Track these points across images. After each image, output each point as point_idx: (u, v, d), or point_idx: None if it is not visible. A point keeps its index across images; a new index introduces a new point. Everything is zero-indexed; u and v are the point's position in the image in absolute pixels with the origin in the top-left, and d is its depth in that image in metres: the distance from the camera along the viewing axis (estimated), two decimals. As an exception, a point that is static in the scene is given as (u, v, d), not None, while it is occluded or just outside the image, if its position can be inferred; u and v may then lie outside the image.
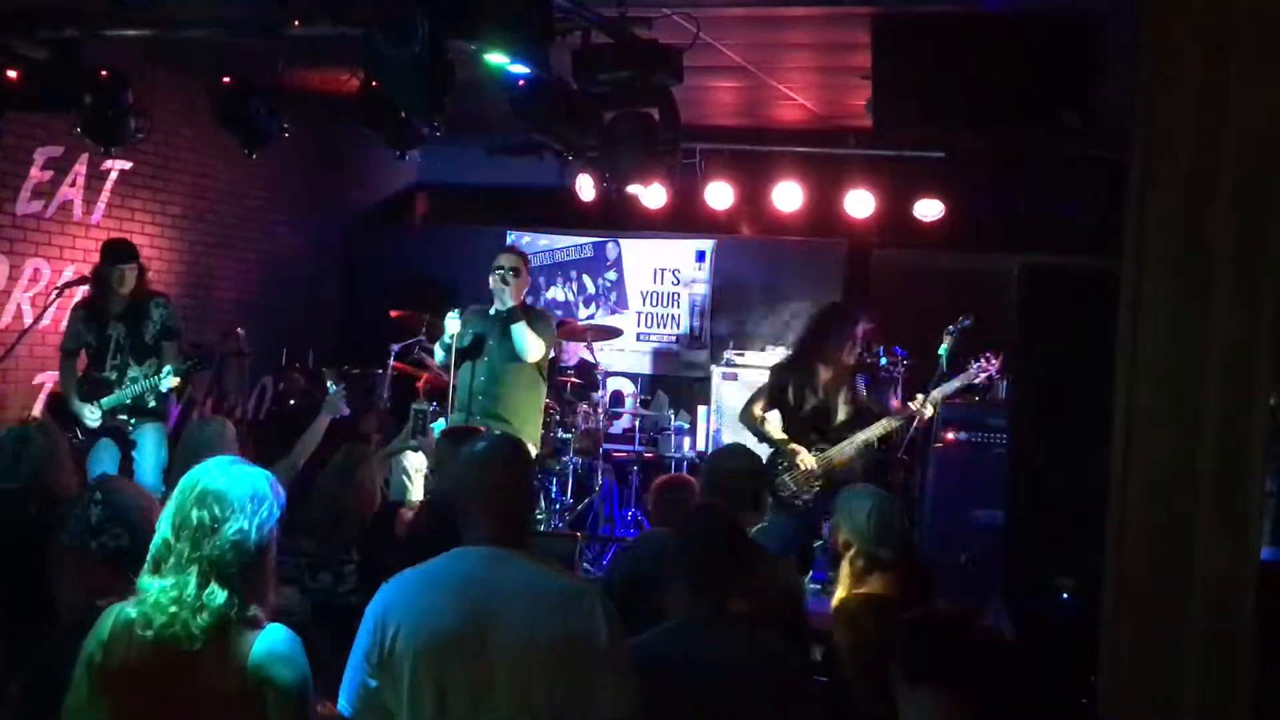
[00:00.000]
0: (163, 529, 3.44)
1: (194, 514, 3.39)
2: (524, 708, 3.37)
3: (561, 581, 3.58)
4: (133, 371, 8.20)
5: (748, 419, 8.02)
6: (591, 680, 3.43)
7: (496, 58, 6.30)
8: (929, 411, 7.76)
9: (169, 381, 8.12)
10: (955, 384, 7.86)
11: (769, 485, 5.34)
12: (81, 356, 8.36)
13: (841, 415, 7.82)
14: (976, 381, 7.86)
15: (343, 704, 3.44)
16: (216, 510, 3.40)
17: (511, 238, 12.02)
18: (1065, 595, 6.31)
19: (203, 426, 6.52)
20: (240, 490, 3.44)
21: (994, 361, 7.76)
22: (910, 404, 7.76)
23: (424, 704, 3.37)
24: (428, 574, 3.53)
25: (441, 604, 3.42)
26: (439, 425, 8.57)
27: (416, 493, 8.61)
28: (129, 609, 3.39)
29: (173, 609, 3.32)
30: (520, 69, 6.57)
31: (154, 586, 3.37)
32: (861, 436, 7.73)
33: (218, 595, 3.34)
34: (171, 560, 3.39)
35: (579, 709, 3.41)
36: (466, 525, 3.61)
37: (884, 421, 7.76)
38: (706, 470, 5.61)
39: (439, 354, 8.73)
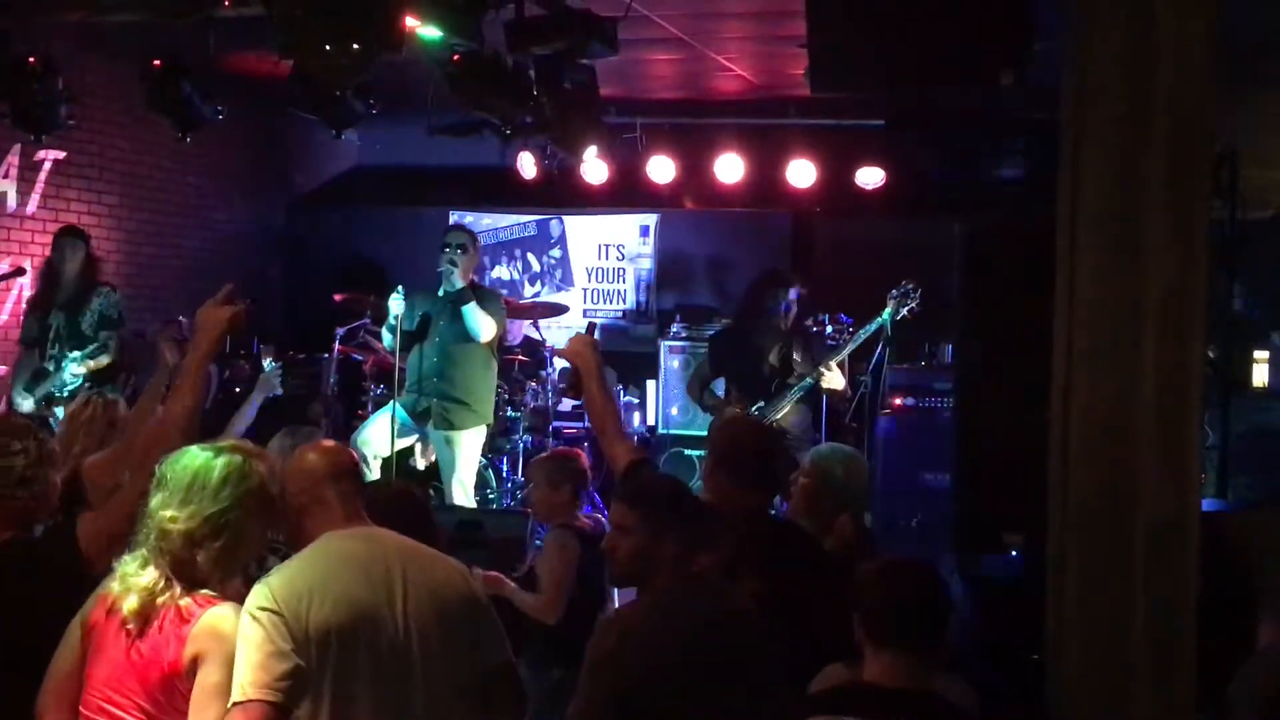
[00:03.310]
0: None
1: (159, 508, 3.49)
2: (437, 664, 3.50)
3: (432, 549, 3.77)
4: (66, 361, 8.12)
5: (693, 391, 8.18)
6: (479, 632, 3.64)
7: (429, 31, 6.25)
8: (830, 376, 7.91)
9: (73, 368, 8.02)
10: (849, 347, 8.13)
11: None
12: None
13: (780, 378, 7.94)
14: (897, 319, 8.00)
15: (262, 695, 3.29)
16: (159, 496, 3.50)
17: (454, 218, 11.98)
18: (1014, 552, 6.33)
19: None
20: (180, 477, 3.50)
21: (911, 299, 7.93)
22: (821, 368, 7.89)
23: (358, 674, 3.39)
24: (313, 560, 3.53)
25: (350, 582, 3.45)
26: (389, 407, 8.54)
27: (374, 476, 8.57)
28: (112, 580, 3.53)
29: (134, 593, 3.44)
30: (454, 42, 6.52)
31: (127, 567, 3.50)
32: (794, 395, 7.92)
33: (176, 584, 3.44)
34: (143, 546, 3.50)
35: (472, 660, 3.59)
36: (313, 514, 3.63)
37: (806, 380, 7.91)
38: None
39: (386, 337, 8.70)
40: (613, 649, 3.68)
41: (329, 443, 4.02)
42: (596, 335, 4.94)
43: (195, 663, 3.38)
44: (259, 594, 3.39)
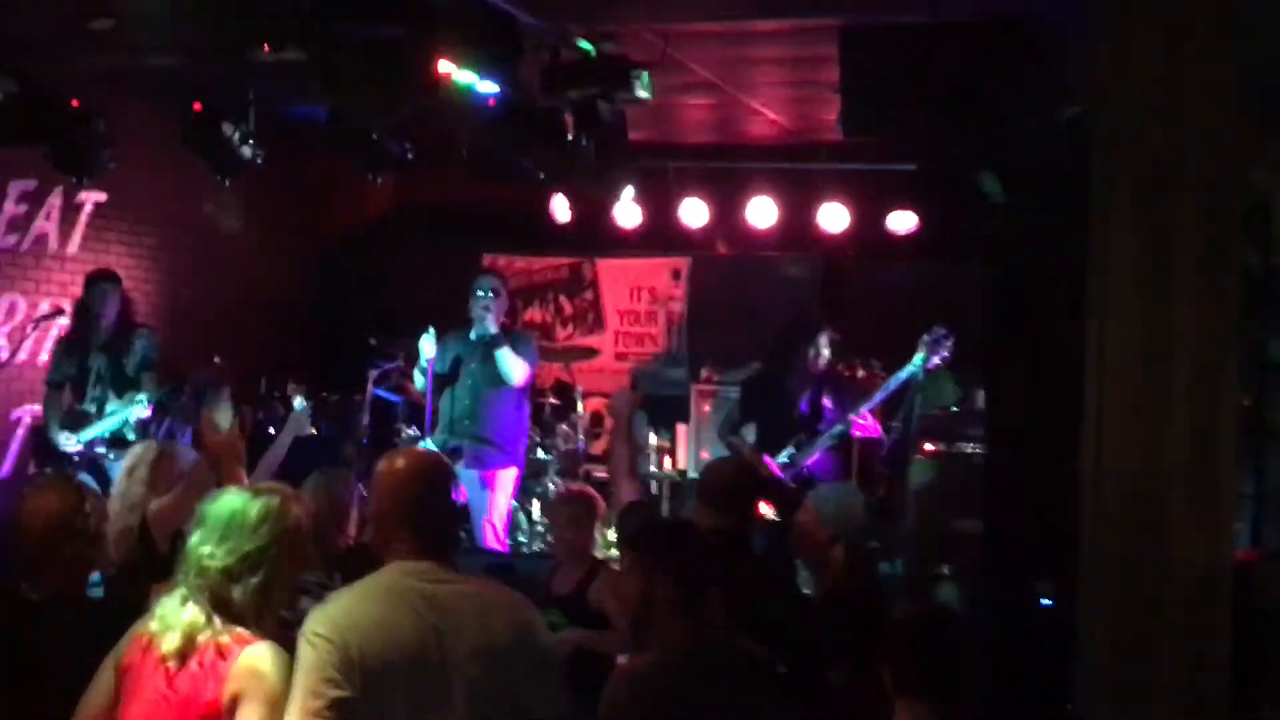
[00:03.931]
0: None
1: (198, 545, 3.57)
2: (480, 712, 3.47)
3: (499, 589, 3.71)
4: (111, 405, 8.18)
5: (724, 435, 8.21)
6: (535, 683, 3.57)
7: (465, 77, 6.32)
8: (861, 421, 7.95)
9: (142, 411, 8.08)
10: (880, 396, 8.08)
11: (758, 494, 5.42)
12: (68, 390, 8.35)
13: (811, 424, 7.95)
14: (929, 367, 7.98)
15: None
16: (198, 534, 3.59)
17: (487, 260, 12.04)
18: (1045, 600, 6.31)
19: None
20: (219, 515, 3.59)
21: (942, 346, 7.91)
22: (854, 417, 7.91)
23: (394, 712, 3.40)
24: (371, 591, 3.54)
25: (395, 618, 3.46)
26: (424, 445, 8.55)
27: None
28: (150, 620, 3.58)
29: (176, 630, 3.50)
30: (489, 87, 6.59)
31: (166, 605, 3.57)
32: (825, 442, 7.94)
33: (216, 619, 3.50)
34: (182, 584, 3.57)
35: (522, 711, 3.53)
36: (388, 540, 3.65)
37: (837, 427, 7.94)
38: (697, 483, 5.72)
39: (418, 379, 8.76)
40: (623, 703, 3.68)
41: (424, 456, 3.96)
42: (637, 384, 5.11)
43: (235, 701, 3.42)
44: (315, 618, 3.44)
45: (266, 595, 3.58)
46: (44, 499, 4.06)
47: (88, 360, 8.31)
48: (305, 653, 3.39)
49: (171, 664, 3.47)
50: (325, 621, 3.42)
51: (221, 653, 3.46)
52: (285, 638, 3.66)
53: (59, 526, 3.98)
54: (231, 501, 3.62)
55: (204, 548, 3.55)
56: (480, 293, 8.45)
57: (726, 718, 3.73)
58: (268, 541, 3.56)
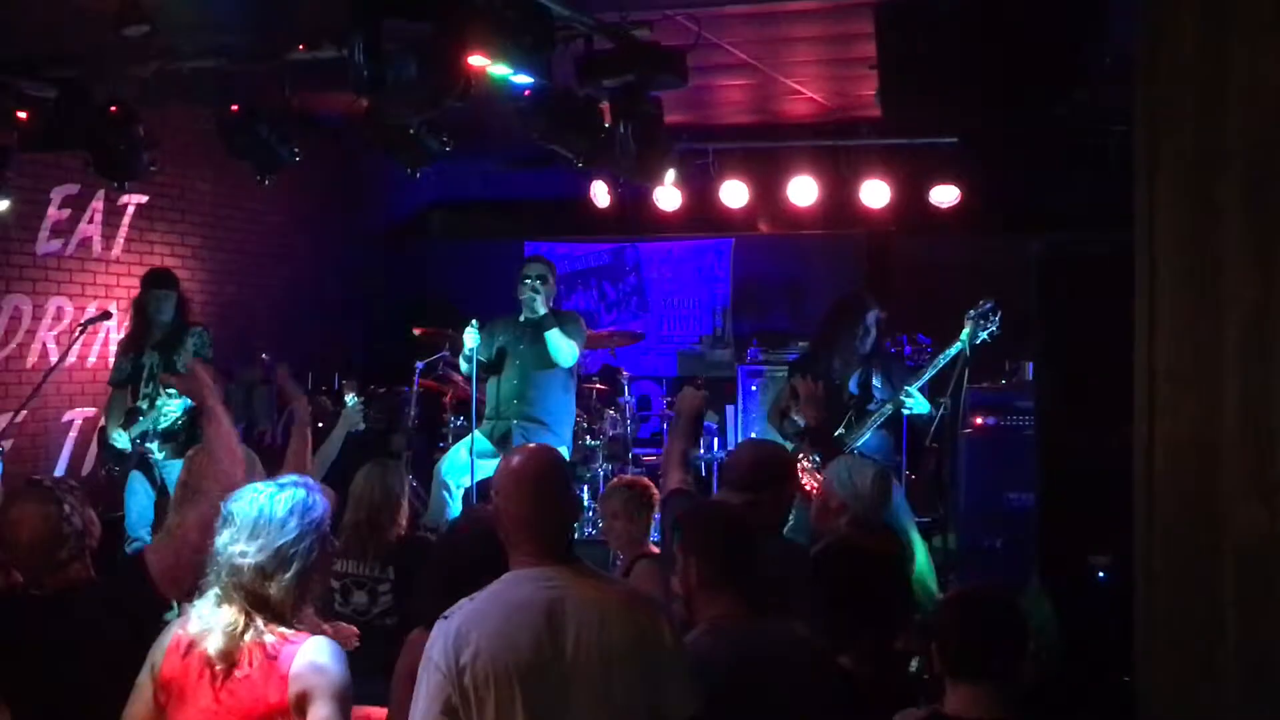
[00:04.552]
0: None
1: (229, 544, 3.54)
2: (603, 716, 3.43)
3: (621, 590, 3.67)
4: (161, 400, 8.22)
5: (774, 419, 8.16)
6: (661, 683, 3.49)
7: (499, 69, 6.31)
8: (912, 400, 7.89)
9: (185, 401, 8.08)
10: (930, 373, 8.04)
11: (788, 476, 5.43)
12: (129, 390, 8.41)
13: (861, 404, 7.93)
14: (977, 343, 7.93)
15: None
16: (226, 533, 3.56)
17: (530, 249, 12.08)
18: (1101, 573, 6.25)
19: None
20: (272, 514, 3.56)
21: (990, 320, 7.86)
22: (902, 397, 7.88)
23: None
24: (492, 603, 3.50)
25: (514, 632, 3.41)
26: (470, 440, 8.57)
27: (456, 505, 8.62)
28: (185, 625, 3.55)
29: (218, 632, 3.47)
30: (524, 79, 6.58)
31: (201, 608, 3.54)
32: (876, 421, 7.91)
33: (256, 618, 3.49)
34: (215, 585, 3.54)
35: (651, 712, 3.47)
36: (513, 545, 3.61)
37: (887, 406, 7.90)
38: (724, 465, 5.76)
39: (464, 368, 8.78)
40: None
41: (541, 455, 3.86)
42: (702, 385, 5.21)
43: (302, 700, 3.43)
44: (435, 639, 3.44)
45: (302, 587, 3.57)
46: (23, 510, 4.08)
47: (141, 358, 8.38)
48: (422, 677, 3.41)
49: (219, 668, 3.45)
50: (440, 644, 3.41)
51: (268, 652, 3.46)
52: (320, 629, 3.70)
53: (46, 534, 4.01)
54: (257, 497, 3.59)
55: (235, 546, 3.52)
56: (529, 279, 8.49)
57: (765, 694, 3.74)
58: (298, 534, 3.55)
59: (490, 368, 8.68)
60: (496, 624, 3.42)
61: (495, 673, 3.36)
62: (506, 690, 3.36)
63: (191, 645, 3.50)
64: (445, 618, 3.48)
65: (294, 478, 3.74)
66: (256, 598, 3.50)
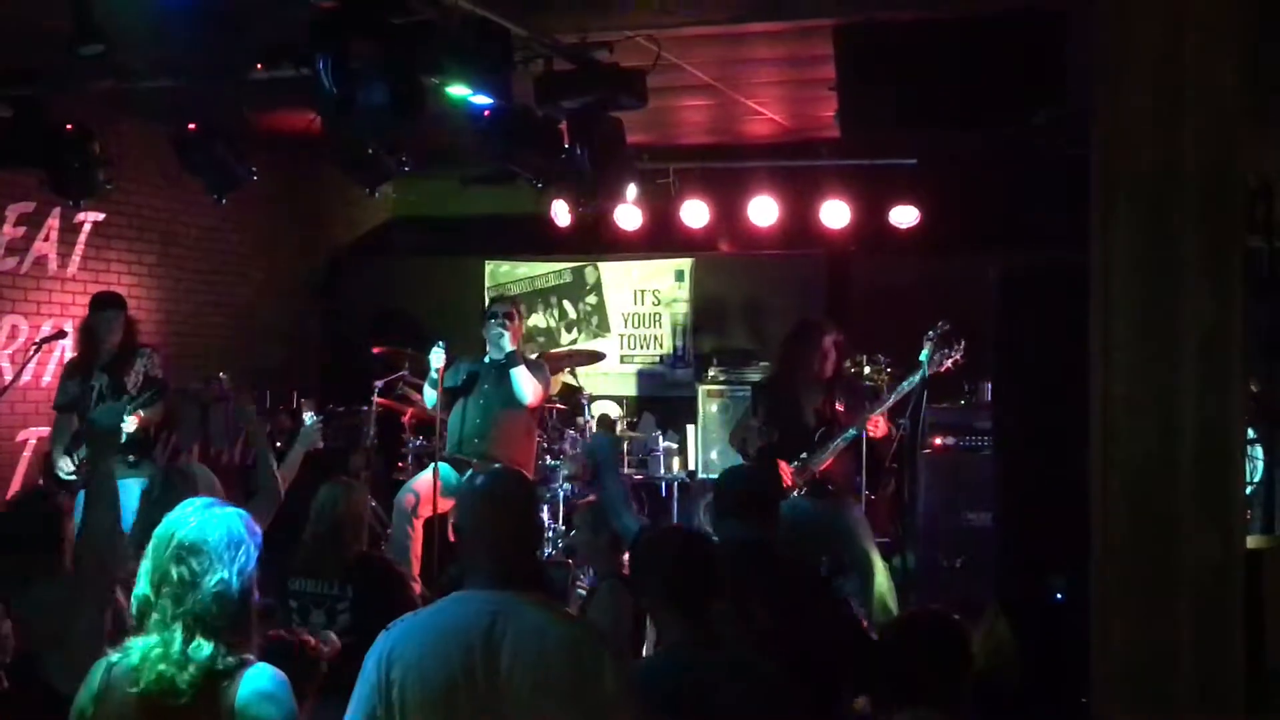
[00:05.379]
0: (142, 585, 3.44)
1: (173, 570, 3.39)
2: None
3: (567, 626, 3.52)
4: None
5: (735, 441, 8.22)
6: (585, 704, 3.36)
7: (458, 90, 6.30)
8: (875, 423, 7.92)
9: (130, 421, 7.93)
10: (891, 400, 8.04)
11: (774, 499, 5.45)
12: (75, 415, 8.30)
13: (822, 427, 7.93)
14: (942, 370, 7.96)
15: None
16: (194, 563, 3.39)
17: (490, 267, 12.07)
18: (1059, 594, 6.28)
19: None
20: (216, 537, 3.43)
21: (949, 345, 7.90)
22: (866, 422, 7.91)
23: None
24: (431, 620, 3.47)
25: (448, 652, 3.36)
26: (433, 467, 8.50)
27: (416, 535, 8.58)
28: (119, 663, 3.40)
29: (160, 666, 3.33)
30: (483, 99, 6.57)
31: (139, 643, 3.39)
32: (838, 445, 7.91)
33: (204, 648, 3.35)
34: (155, 616, 3.39)
35: None
36: (468, 565, 3.56)
37: (849, 431, 7.91)
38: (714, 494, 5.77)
39: (428, 393, 8.76)
40: None
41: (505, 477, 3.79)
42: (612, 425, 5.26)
43: None
44: (374, 647, 3.44)
45: (246, 611, 3.44)
46: None
47: (90, 380, 8.28)
48: (358, 685, 3.41)
49: (168, 702, 3.32)
50: (378, 659, 3.39)
51: (214, 683, 3.34)
52: (303, 640, 3.66)
53: None
54: (197, 520, 3.45)
55: (175, 569, 3.38)
56: (495, 317, 8.54)
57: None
58: (242, 558, 3.42)
59: (456, 393, 8.68)
60: (431, 643, 3.38)
61: (422, 692, 3.33)
62: (430, 712, 3.33)
63: (135, 679, 3.36)
64: (388, 629, 3.46)
65: (217, 500, 3.65)
66: (204, 624, 3.36)
